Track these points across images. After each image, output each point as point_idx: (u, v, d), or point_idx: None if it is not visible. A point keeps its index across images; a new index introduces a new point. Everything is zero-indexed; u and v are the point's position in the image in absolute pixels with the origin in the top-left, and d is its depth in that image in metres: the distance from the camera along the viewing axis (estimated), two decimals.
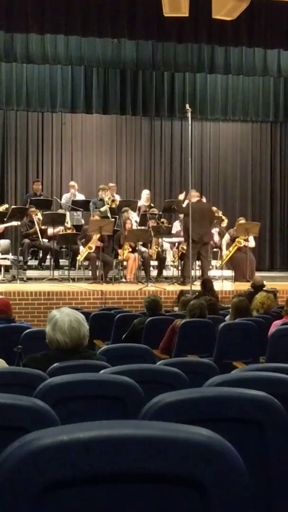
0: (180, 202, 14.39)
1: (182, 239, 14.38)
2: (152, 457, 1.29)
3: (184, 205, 14.08)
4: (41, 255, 14.77)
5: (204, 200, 15.04)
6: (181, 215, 14.73)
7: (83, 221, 15.78)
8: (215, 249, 15.40)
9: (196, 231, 13.26)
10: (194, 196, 14.02)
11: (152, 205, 16.02)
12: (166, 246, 15.43)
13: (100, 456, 1.27)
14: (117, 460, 1.28)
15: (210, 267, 14.30)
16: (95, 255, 13.62)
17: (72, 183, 16.40)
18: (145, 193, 16.29)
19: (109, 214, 14.93)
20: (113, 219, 14.46)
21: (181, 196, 15.02)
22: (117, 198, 15.76)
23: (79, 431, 1.30)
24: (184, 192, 15.15)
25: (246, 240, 14.58)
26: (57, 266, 14.54)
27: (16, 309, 10.59)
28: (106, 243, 14.17)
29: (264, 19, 14.93)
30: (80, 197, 16.07)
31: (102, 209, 15.03)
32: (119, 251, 14.02)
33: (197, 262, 14.53)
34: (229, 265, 14.98)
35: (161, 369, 3.81)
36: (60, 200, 16.21)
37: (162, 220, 15.01)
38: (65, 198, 16.05)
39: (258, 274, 14.46)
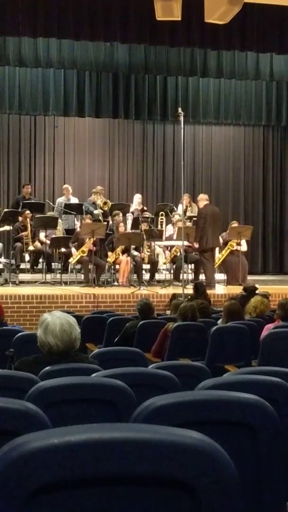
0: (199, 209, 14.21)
1: (175, 242, 14.35)
2: (143, 461, 1.28)
3: (179, 210, 14.04)
4: (33, 258, 14.74)
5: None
6: (176, 221, 14.73)
7: (78, 224, 15.70)
8: None
9: (212, 240, 13.29)
10: (203, 199, 13.92)
11: (145, 208, 16.05)
12: (158, 249, 15.44)
13: (91, 460, 1.27)
14: (108, 463, 1.27)
15: (202, 270, 14.27)
16: (88, 259, 13.61)
17: (66, 186, 16.40)
18: (137, 197, 16.37)
19: (101, 218, 14.95)
20: (105, 223, 14.45)
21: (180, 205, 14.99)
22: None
23: (70, 434, 1.30)
24: (186, 196, 15.12)
25: (239, 243, 14.59)
26: (49, 270, 14.52)
27: (8, 313, 10.59)
28: (98, 247, 14.17)
29: (257, 23, 14.95)
30: (74, 200, 16.06)
31: (96, 211, 15.05)
32: (109, 254, 14.01)
33: (189, 265, 14.53)
34: (222, 269, 14.99)
35: (153, 372, 3.81)
36: (53, 203, 16.22)
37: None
38: (59, 202, 16.04)
39: (250, 278, 14.49)
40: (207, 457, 1.32)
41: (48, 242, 14.27)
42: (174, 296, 11.79)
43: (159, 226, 15.59)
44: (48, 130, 17.97)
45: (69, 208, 15.52)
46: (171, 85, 17.67)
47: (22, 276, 14.22)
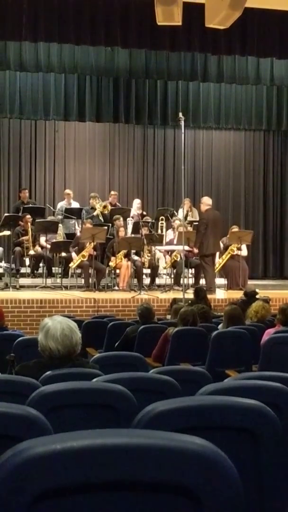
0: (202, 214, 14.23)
1: (175, 247, 14.35)
2: (145, 466, 1.28)
3: (179, 215, 14.01)
4: (33, 262, 14.74)
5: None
6: (176, 226, 14.69)
7: (78, 229, 15.67)
8: None
9: (212, 245, 13.26)
10: (206, 204, 13.88)
11: (144, 213, 16.08)
12: (159, 254, 15.43)
13: (93, 465, 1.27)
14: (110, 469, 1.27)
15: (202, 275, 14.26)
16: (88, 263, 13.61)
17: (67, 191, 16.40)
18: (136, 202, 16.43)
19: (101, 218, 15.00)
20: (106, 227, 14.45)
21: (181, 211, 14.99)
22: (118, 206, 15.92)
23: (72, 440, 1.30)
24: (186, 201, 15.15)
25: (239, 248, 14.59)
26: (50, 274, 14.51)
27: (8, 317, 10.56)
28: (98, 251, 14.16)
29: (257, 28, 14.97)
30: (75, 205, 16.07)
31: (95, 213, 15.09)
32: (112, 258, 14.00)
33: (190, 270, 14.52)
34: (222, 273, 14.98)
35: (153, 377, 3.81)
36: (54, 208, 16.23)
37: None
38: (60, 206, 16.05)
39: (250, 283, 14.47)
40: (210, 463, 1.32)
41: (49, 246, 14.27)
42: (175, 300, 11.80)
43: (160, 231, 15.59)
44: (48, 135, 17.98)
45: (70, 213, 15.53)
46: (172, 90, 17.69)
47: (23, 281, 14.21)
